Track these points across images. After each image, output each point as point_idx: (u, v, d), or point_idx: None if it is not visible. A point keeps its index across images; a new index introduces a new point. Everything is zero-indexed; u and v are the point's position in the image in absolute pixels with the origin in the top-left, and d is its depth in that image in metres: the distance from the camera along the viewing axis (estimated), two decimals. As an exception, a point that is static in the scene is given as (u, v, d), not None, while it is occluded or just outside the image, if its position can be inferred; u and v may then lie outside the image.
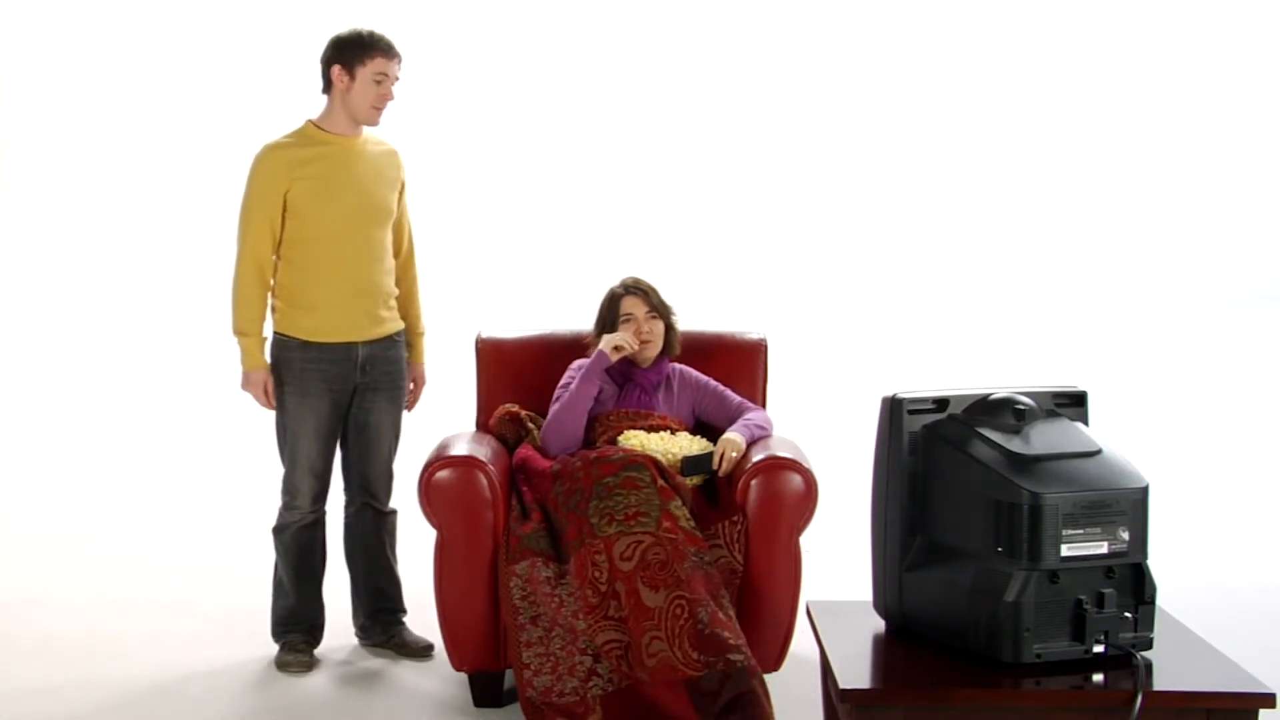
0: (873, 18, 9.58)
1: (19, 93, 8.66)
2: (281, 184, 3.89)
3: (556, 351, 4.22)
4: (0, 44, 8.55)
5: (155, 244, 8.94)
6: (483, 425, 4.18)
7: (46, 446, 6.90)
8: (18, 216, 8.72)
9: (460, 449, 3.77)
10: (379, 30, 3.95)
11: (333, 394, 4.00)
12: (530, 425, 4.08)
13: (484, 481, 3.66)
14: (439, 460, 3.71)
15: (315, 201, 3.91)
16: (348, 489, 4.16)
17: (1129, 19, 9.67)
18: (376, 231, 4.01)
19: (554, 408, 4.01)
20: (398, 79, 3.96)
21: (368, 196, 3.97)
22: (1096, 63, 9.70)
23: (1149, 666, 2.81)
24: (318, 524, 4.10)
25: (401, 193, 4.11)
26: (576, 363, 4.11)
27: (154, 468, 6.53)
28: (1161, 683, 2.77)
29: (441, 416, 4.34)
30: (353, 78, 3.91)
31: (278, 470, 4.09)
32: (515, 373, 4.23)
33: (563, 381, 4.08)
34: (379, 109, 3.96)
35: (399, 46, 3.96)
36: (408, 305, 4.18)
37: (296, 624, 4.08)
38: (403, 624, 4.18)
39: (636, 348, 4.01)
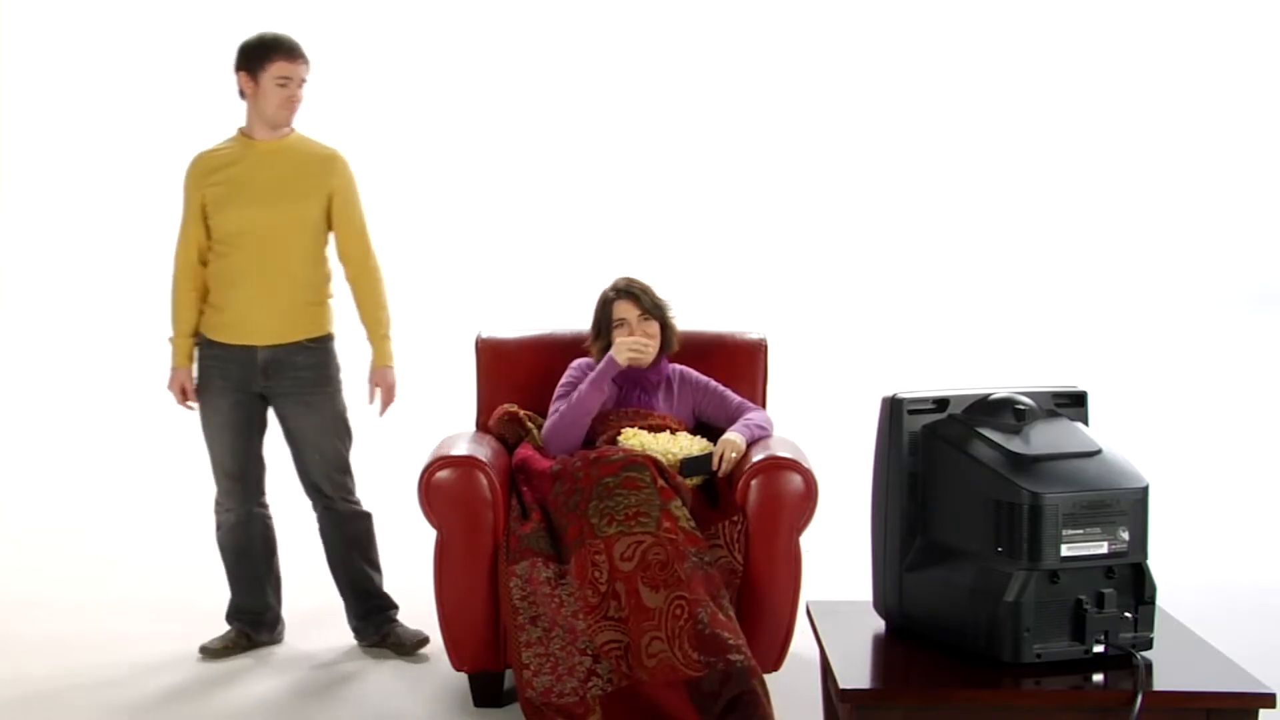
0: (873, 18, 9.57)
1: (20, 94, 8.66)
2: (198, 190, 4.02)
3: (556, 351, 4.22)
4: (0, 44, 8.55)
5: (156, 245, 8.91)
6: (483, 425, 4.18)
7: (46, 446, 6.90)
8: (18, 217, 8.71)
9: (460, 449, 3.77)
10: (284, 33, 4.00)
11: (235, 394, 4.06)
12: (530, 425, 4.07)
13: (484, 481, 3.66)
14: (439, 460, 3.71)
15: (222, 206, 3.99)
16: (305, 492, 4.21)
17: (1129, 19, 9.66)
18: (290, 236, 4.00)
19: (558, 406, 4.00)
20: (304, 81, 4.00)
21: (277, 201, 3.99)
22: (1096, 63, 9.69)
23: (1149, 666, 2.81)
24: (249, 523, 4.16)
25: (339, 199, 4.04)
26: (577, 361, 4.11)
27: (153, 468, 6.53)
28: (1161, 683, 2.77)
29: (441, 416, 4.34)
30: (257, 83, 3.97)
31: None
32: (515, 373, 4.23)
33: (564, 380, 4.07)
34: (288, 110, 3.99)
35: (305, 49, 3.99)
36: (362, 310, 4.14)
37: (238, 617, 4.20)
38: (394, 621, 4.19)
39: (651, 357, 3.99)
